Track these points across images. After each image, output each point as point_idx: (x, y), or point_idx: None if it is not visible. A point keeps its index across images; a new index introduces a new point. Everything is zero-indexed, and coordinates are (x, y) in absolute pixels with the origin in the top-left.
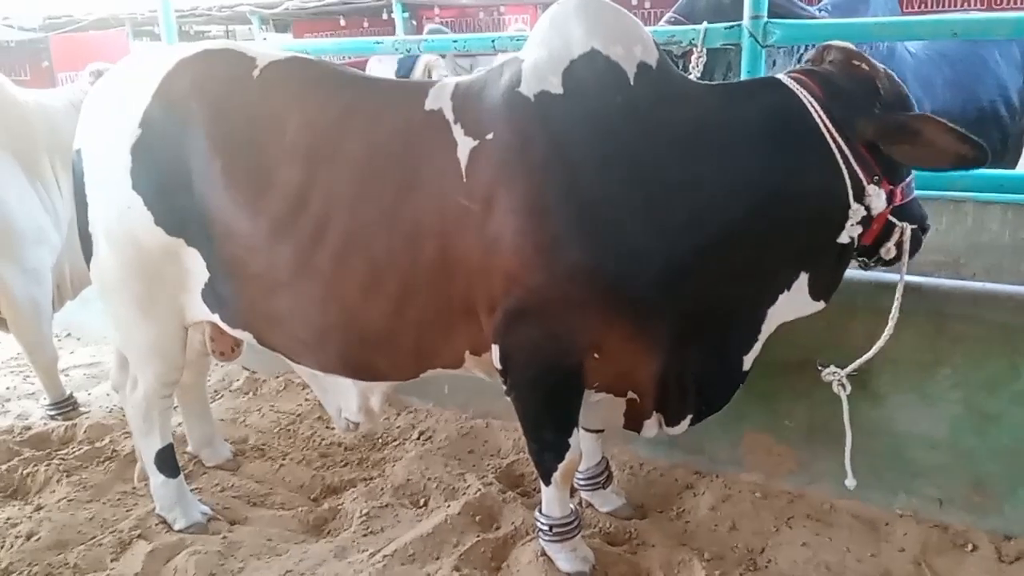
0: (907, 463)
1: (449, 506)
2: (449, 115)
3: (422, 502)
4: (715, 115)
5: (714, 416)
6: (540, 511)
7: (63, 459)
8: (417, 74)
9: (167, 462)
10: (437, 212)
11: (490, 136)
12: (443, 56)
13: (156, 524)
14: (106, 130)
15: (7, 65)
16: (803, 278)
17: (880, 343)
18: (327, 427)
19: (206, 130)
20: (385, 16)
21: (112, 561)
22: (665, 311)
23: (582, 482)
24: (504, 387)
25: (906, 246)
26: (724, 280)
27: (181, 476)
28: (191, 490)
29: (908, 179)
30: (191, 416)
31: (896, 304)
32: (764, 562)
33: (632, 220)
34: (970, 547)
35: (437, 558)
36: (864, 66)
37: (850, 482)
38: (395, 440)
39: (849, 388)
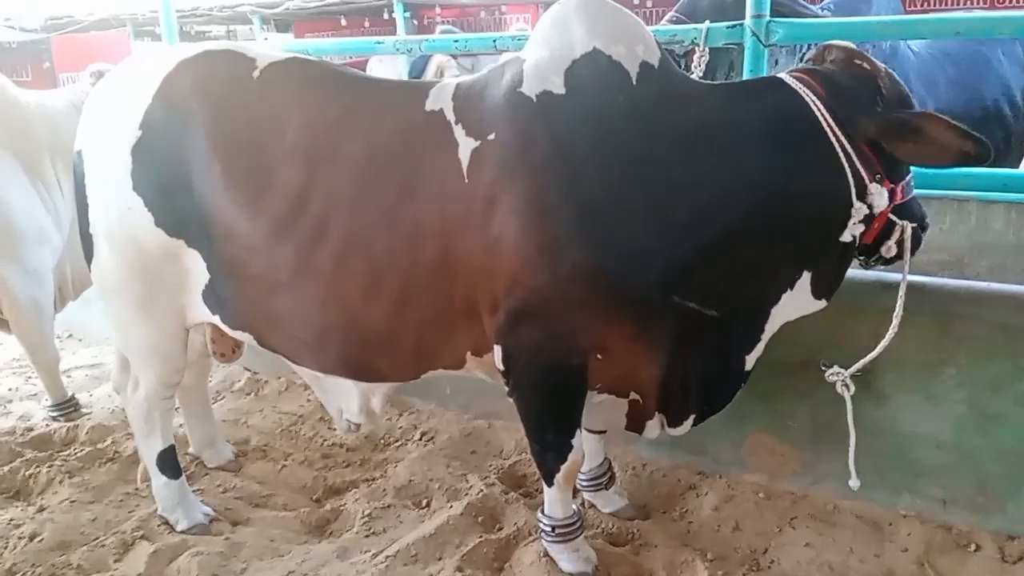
0: (911, 463)
1: (451, 507)
2: (450, 115)
3: (424, 503)
4: (717, 115)
5: (717, 416)
6: (542, 512)
7: (65, 460)
8: (429, 75)
9: (169, 463)
10: (438, 213)
11: (492, 136)
12: (455, 57)
13: (158, 525)
14: (107, 131)
15: (9, 66)
16: (806, 277)
17: (884, 343)
18: (329, 428)
19: (206, 131)
20: (386, 16)
21: (115, 562)
22: (667, 311)
23: (585, 483)
24: (506, 388)
25: (907, 244)
26: (727, 279)
27: (183, 477)
28: (193, 491)
29: (908, 178)
30: (193, 417)
31: (899, 303)
32: (767, 562)
33: (634, 220)
34: (974, 547)
35: (439, 559)
36: (865, 65)
37: (854, 483)
38: (397, 441)
39: (853, 388)
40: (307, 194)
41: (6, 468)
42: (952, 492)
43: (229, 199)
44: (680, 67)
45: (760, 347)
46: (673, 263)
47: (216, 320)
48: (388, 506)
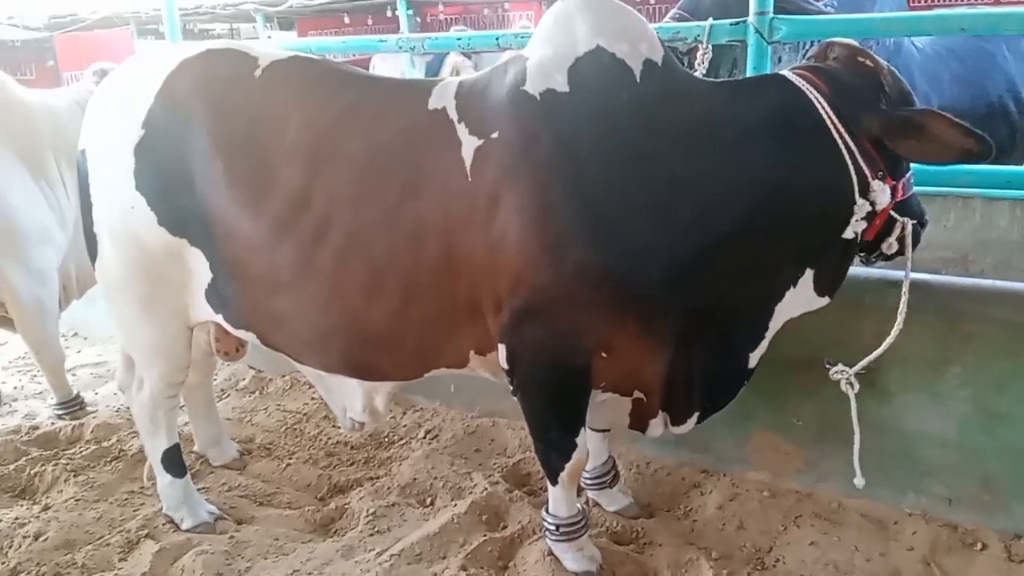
0: (916, 462)
1: (456, 505)
2: (453, 114)
3: (429, 501)
4: (721, 112)
5: (721, 415)
6: (547, 510)
7: (70, 459)
8: (445, 74)
9: (174, 462)
10: (441, 211)
11: (495, 135)
12: (469, 56)
13: (163, 524)
14: (110, 130)
15: (12, 64)
16: (809, 274)
17: (888, 341)
18: (333, 426)
19: (208, 130)
20: (389, 13)
21: (120, 561)
22: (671, 309)
23: (589, 481)
24: (510, 386)
25: (908, 241)
26: (731, 277)
27: (188, 476)
28: (198, 489)
29: (908, 175)
30: (197, 416)
31: (903, 301)
32: (772, 561)
33: (638, 218)
34: (979, 546)
35: (444, 557)
36: (868, 62)
37: (859, 481)
38: (401, 439)
39: (857, 386)
40: (309, 193)
41: (11, 467)
42: (957, 491)
43: (231, 198)
44: (683, 64)
45: (764, 345)
46: (677, 261)
47: (219, 319)
48: (392, 504)
